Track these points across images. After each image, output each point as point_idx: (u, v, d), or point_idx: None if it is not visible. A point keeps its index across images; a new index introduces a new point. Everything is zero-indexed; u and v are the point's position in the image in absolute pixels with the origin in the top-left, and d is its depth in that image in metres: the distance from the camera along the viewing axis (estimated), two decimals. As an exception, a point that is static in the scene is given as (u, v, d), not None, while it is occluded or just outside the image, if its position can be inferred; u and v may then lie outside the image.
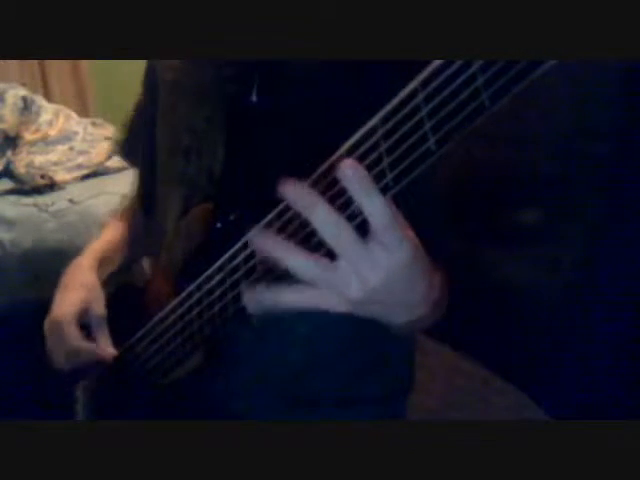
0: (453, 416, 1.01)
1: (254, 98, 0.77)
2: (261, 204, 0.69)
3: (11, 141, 2.32)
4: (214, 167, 0.79)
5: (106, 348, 0.88)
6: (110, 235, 1.01)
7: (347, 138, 0.55)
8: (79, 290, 0.91)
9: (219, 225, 0.78)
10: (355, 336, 0.84)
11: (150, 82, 0.92)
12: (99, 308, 0.90)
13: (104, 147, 2.38)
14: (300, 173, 0.58)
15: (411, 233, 0.56)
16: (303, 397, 0.83)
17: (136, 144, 0.99)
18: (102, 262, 0.96)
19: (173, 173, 0.85)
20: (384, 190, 0.52)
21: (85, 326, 0.90)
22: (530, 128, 0.83)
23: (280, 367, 0.83)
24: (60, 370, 0.91)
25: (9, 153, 2.31)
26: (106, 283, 0.96)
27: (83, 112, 2.82)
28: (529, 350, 0.99)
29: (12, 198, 2.16)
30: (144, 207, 1.00)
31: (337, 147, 0.55)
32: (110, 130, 2.47)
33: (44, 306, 0.93)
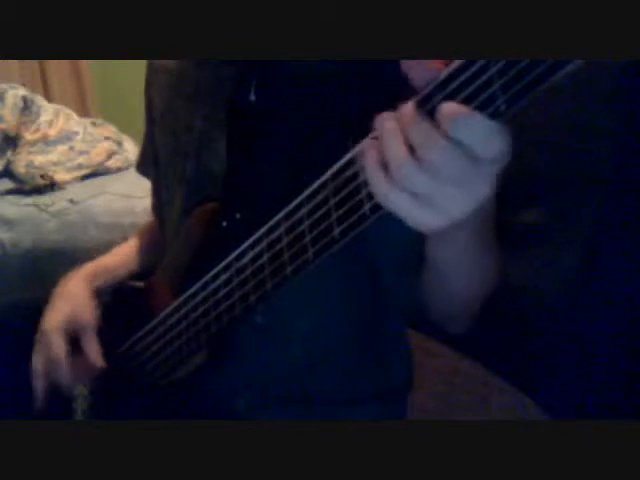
0: (453, 416, 1.01)
1: (252, 97, 0.77)
2: (266, 202, 0.69)
3: (11, 141, 2.32)
4: (214, 166, 0.80)
5: (96, 359, 0.87)
6: (120, 249, 1.01)
7: (347, 136, 0.55)
8: (67, 301, 0.91)
9: (225, 224, 0.78)
10: (355, 335, 0.84)
11: (149, 96, 0.92)
12: (87, 318, 0.90)
13: (104, 147, 2.37)
14: (304, 170, 0.58)
15: None
16: (303, 396, 0.83)
17: (148, 158, 0.99)
18: (99, 273, 0.96)
19: (174, 173, 0.85)
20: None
21: (75, 338, 0.89)
22: (531, 126, 0.83)
23: (281, 366, 0.83)
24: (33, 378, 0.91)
25: (9, 153, 2.31)
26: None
27: (83, 112, 2.82)
28: (529, 350, 0.99)
29: (12, 198, 2.16)
30: (159, 216, 1.00)
31: (339, 145, 0.55)
32: (110, 130, 2.47)
33: (44, 306, 0.93)
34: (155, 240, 1.00)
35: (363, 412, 0.85)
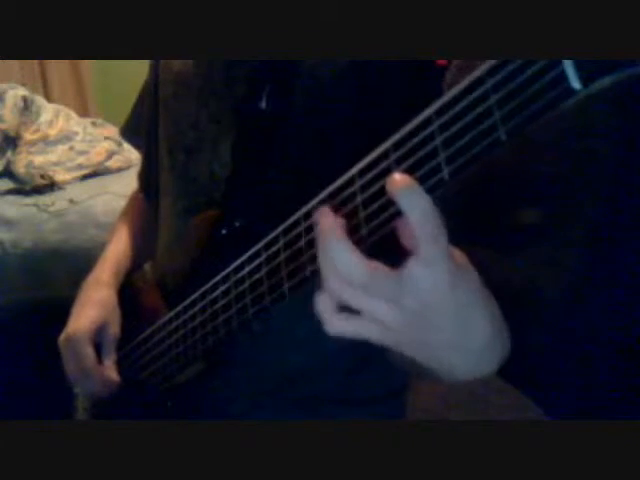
0: (453, 416, 1.01)
1: (263, 104, 0.75)
2: (268, 211, 0.68)
3: (11, 141, 2.32)
4: (218, 170, 0.79)
5: (110, 373, 0.86)
6: (122, 242, 0.99)
7: (356, 147, 0.54)
8: (97, 308, 0.88)
9: (224, 232, 0.77)
10: (352, 341, 0.84)
11: (157, 66, 0.90)
12: (114, 329, 0.88)
13: (104, 147, 2.38)
14: (309, 182, 0.57)
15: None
16: (303, 397, 0.83)
17: (138, 125, 0.97)
18: (118, 275, 0.94)
19: (174, 170, 0.85)
20: (394, 216, 0.50)
21: (96, 345, 0.87)
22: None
23: (279, 367, 0.83)
24: (72, 386, 0.90)
25: (9, 153, 2.31)
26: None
27: (83, 112, 2.82)
28: (529, 350, 0.99)
29: (12, 198, 2.16)
30: (146, 191, 1.00)
31: (345, 158, 0.54)
32: (110, 130, 2.47)
33: (44, 306, 0.93)
34: (146, 224, 0.98)
35: (362, 413, 0.84)
